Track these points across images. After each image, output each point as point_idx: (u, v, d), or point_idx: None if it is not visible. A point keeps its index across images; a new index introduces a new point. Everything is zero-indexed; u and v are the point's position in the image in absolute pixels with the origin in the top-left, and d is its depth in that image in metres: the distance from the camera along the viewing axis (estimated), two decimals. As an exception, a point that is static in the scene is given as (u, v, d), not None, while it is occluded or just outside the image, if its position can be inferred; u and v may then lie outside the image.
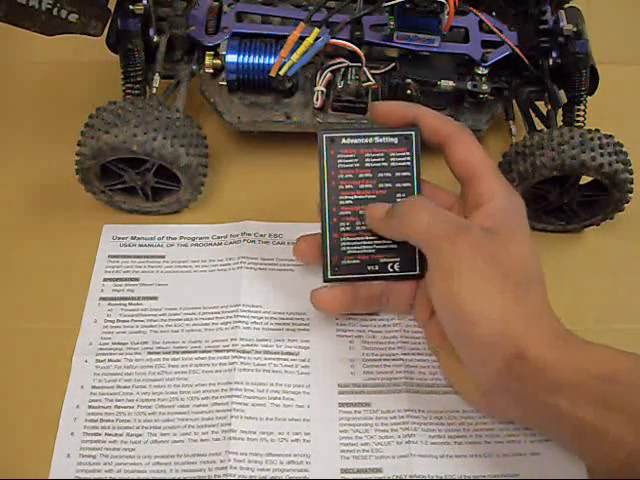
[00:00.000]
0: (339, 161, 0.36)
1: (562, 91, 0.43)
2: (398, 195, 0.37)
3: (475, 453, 0.35)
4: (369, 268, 0.37)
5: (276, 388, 0.37)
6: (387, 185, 0.37)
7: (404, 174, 0.37)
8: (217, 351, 0.39)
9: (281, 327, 0.40)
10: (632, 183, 0.40)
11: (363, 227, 0.37)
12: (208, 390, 0.37)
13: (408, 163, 0.37)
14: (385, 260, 0.37)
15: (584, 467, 0.34)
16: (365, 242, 0.37)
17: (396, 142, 0.36)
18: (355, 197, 0.37)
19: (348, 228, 0.37)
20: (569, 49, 0.43)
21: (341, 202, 0.37)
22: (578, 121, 0.44)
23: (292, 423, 0.36)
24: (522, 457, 0.35)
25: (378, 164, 0.36)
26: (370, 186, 0.37)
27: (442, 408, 0.37)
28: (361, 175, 0.36)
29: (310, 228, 0.39)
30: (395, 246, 0.37)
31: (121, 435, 0.36)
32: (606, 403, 0.29)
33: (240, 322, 0.40)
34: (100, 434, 0.36)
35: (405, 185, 0.37)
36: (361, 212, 0.37)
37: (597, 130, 0.40)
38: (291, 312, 0.40)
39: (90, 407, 0.37)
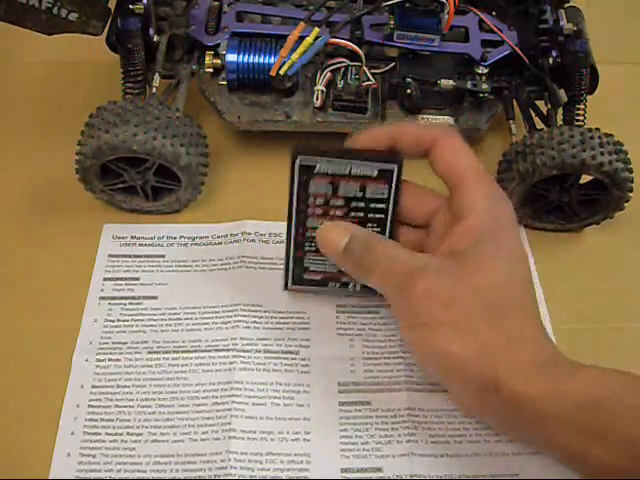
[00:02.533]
0: (311, 187, 0.34)
1: (562, 90, 0.43)
2: (369, 225, 0.35)
3: (475, 453, 0.35)
4: (330, 285, 0.37)
5: (276, 387, 0.37)
6: (359, 214, 0.35)
7: (379, 206, 0.35)
8: (217, 350, 0.39)
9: (281, 326, 0.40)
10: (632, 182, 0.40)
11: None
12: (208, 389, 0.37)
13: (385, 196, 0.35)
14: (347, 280, 0.37)
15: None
16: (329, 262, 0.36)
17: (375, 175, 0.34)
18: (324, 222, 0.35)
19: (313, 249, 0.36)
20: (569, 48, 0.43)
21: (309, 224, 0.36)
22: (578, 120, 0.44)
23: (292, 422, 0.36)
24: (522, 457, 0.35)
25: (352, 194, 0.35)
26: (340, 214, 0.35)
27: (442, 407, 0.37)
28: (332, 202, 0.35)
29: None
30: None
31: (121, 434, 0.36)
32: (589, 431, 0.29)
33: (240, 321, 0.40)
34: (100, 434, 0.36)
35: (378, 216, 0.35)
36: None
37: (597, 129, 0.40)
38: (291, 311, 0.40)
39: (90, 406, 0.36)
